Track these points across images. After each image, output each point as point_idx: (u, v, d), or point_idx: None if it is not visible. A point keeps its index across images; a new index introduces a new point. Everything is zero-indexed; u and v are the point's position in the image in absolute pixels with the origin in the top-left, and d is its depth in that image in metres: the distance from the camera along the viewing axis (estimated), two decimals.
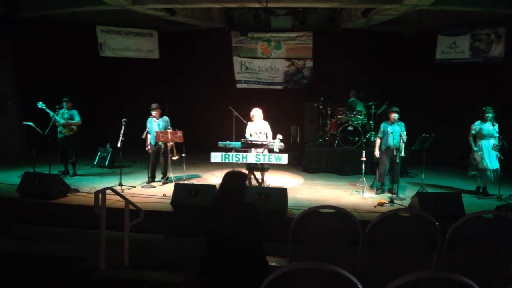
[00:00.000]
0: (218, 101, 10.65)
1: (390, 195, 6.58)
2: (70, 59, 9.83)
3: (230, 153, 6.57)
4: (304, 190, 7.33)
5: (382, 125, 6.95)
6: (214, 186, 5.90)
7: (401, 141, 6.52)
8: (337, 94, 9.83)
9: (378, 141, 7.01)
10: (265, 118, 7.16)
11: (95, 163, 8.97)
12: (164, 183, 7.50)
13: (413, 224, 3.07)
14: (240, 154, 6.60)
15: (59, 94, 7.97)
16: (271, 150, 6.75)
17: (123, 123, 6.81)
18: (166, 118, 7.76)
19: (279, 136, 6.83)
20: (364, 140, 9.19)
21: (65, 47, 9.80)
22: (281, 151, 6.68)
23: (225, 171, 3.08)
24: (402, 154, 6.61)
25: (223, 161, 6.60)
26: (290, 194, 6.17)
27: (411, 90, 9.68)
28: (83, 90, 9.63)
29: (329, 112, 9.52)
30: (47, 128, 7.17)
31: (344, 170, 8.89)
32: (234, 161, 6.60)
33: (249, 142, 6.84)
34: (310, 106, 9.99)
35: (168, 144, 7.50)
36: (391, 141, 6.75)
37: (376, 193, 7.03)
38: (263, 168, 6.97)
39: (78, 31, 9.76)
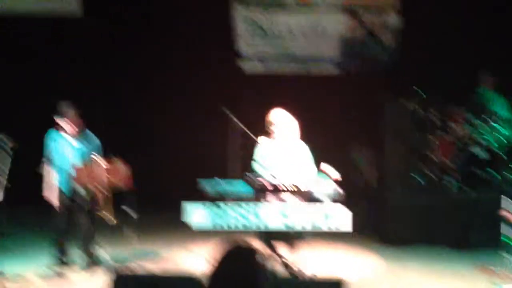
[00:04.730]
0: (200, 100, 11.05)
1: None
2: None
3: (223, 205, 6.61)
4: (386, 284, 7.48)
5: None
6: (193, 278, 5.53)
7: None
8: (453, 83, 10.14)
9: None
10: (301, 136, 7.32)
11: None
12: (88, 271, 7.72)
13: None
14: (246, 207, 6.59)
15: None
16: (312, 199, 6.75)
17: (7, 150, 7.25)
18: (93, 136, 8.01)
19: (331, 172, 6.83)
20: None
21: None
22: (334, 202, 6.64)
23: (217, 246, 3.01)
24: None
25: (210, 225, 6.66)
26: None
27: None
28: None
29: (436, 119, 9.72)
30: None
31: (468, 240, 8.99)
32: (232, 226, 6.65)
33: (265, 182, 6.86)
34: (395, 108, 10.26)
35: (97, 191, 7.62)
36: None
37: None
38: (296, 237, 6.95)
39: None
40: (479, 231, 8.89)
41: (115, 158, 7.55)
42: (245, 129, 7.44)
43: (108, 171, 7.42)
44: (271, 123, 7.12)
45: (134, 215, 7.51)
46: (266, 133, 7.21)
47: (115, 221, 7.72)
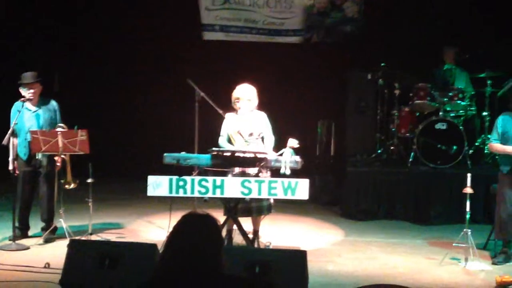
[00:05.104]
0: (162, 71, 11.13)
1: None
2: None
3: (188, 178, 6.70)
4: (344, 255, 7.53)
5: (501, 120, 7.22)
6: (154, 245, 6.00)
7: None
8: (415, 57, 10.26)
9: (498, 147, 7.20)
10: (261, 107, 7.38)
11: None
12: (47, 240, 7.65)
13: None
14: (210, 179, 6.72)
15: None
16: (273, 170, 6.92)
17: None
18: (53, 103, 7.94)
19: (292, 142, 6.90)
20: (470, 151, 9.49)
21: None
22: (295, 172, 6.73)
23: (178, 216, 3.15)
24: None
25: (173, 195, 6.72)
26: (314, 264, 6.40)
27: None
28: None
29: (397, 93, 9.77)
30: None
31: (428, 214, 9.08)
32: (196, 195, 6.81)
33: (229, 153, 6.93)
34: (358, 81, 10.38)
35: (57, 158, 7.59)
36: None
37: (495, 262, 7.17)
38: (258, 209, 7.11)
39: None
40: (439, 205, 9.03)
41: (76, 126, 7.50)
42: (211, 102, 7.53)
43: (65, 136, 7.38)
44: (236, 97, 7.24)
45: (90, 179, 7.45)
46: (231, 107, 7.33)
47: (73, 185, 7.69)
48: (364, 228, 8.80)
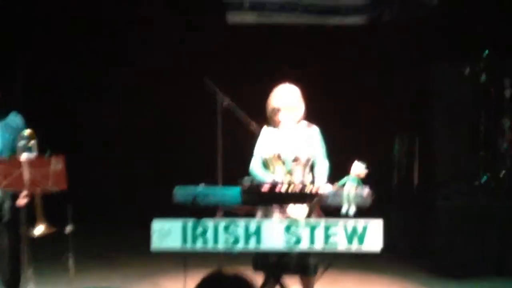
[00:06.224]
0: (171, 68, 11.42)
1: None
2: None
3: (209, 222, 6.58)
4: None
5: None
6: None
7: None
8: None
9: None
10: (310, 118, 7.31)
11: None
12: None
13: None
14: (241, 223, 6.58)
15: None
16: (329, 209, 6.79)
17: None
18: (16, 119, 7.89)
19: (358, 168, 6.77)
20: None
21: None
22: (362, 210, 6.58)
23: (197, 278, 3.17)
24: None
25: (189, 248, 6.60)
26: None
27: None
28: None
29: (509, 93, 9.81)
30: None
31: None
32: (221, 248, 6.65)
33: (267, 186, 6.76)
34: (450, 77, 10.36)
35: (22, 197, 7.46)
36: None
37: None
38: (306, 267, 6.99)
39: None
40: None
41: (49, 150, 7.41)
42: (239, 110, 7.52)
43: (33, 165, 7.30)
44: (276, 107, 7.10)
45: (69, 227, 7.47)
46: (270, 119, 7.20)
47: (45, 230, 7.47)
48: None
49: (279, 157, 7.11)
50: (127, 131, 11.82)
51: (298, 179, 6.92)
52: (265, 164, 7.22)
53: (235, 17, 11.61)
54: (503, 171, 9.66)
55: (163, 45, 11.82)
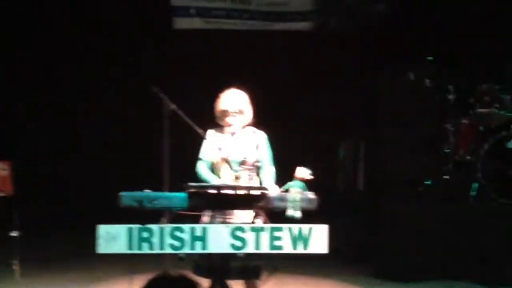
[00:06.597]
0: (116, 75, 11.45)
1: None
2: None
3: (155, 227, 6.51)
4: None
5: None
6: None
7: None
8: (478, 47, 10.56)
9: None
10: (256, 122, 7.32)
11: None
12: None
13: None
14: (187, 227, 6.54)
15: None
16: (275, 213, 6.72)
17: None
18: None
19: (303, 172, 6.77)
20: None
21: None
22: (308, 215, 6.55)
23: (143, 281, 3.22)
24: None
25: (135, 252, 6.48)
26: None
27: None
28: None
29: (452, 98, 9.88)
30: None
31: (502, 273, 9.06)
32: (167, 252, 6.63)
33: (214, 189, 6.73)
34: (395, 83, 10.51)
35: None
36: None
37: None
38: (254, 270, 6.99)
39: None
40: None
41: None
42: (186, 118, 7.35)
43: None
44: (223, 109, 7.12)
45: (15, 232, 7.44)
46: (217, 123, 7.23)
47: None
48: None
49: (226, 160, 7.16)
50: (73, 138, 11.75)
51: (245, 183, 6.97)
52: (212, 168, 7.25)
53: (182, 23, 11.59)
54: (447, 176, 9.73)
55: (109, 50, 11.74)
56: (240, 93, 7.22)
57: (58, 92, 11.93)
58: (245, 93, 7.24)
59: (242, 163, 7.13)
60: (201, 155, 7.32)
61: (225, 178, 7.10)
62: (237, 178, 7.12)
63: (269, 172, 7.22)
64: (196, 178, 7.17)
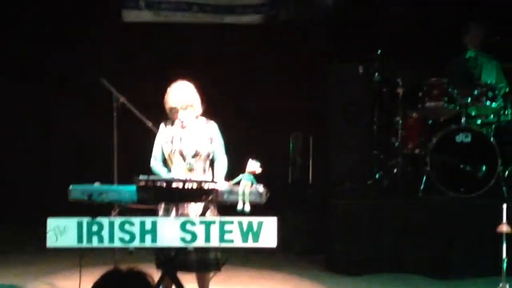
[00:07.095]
0: (64, 68, 11.24)
1: None
2: None
3: (104, 220, 6.51)
4: None
5: None
6: None
7: None
8: (426, 41, 10.60)
9: None
10: (208, 114, 7.30)
11: None
12: None
13: None
14: (137, 221, 6.56)
15: None
16: (225, 207, 6.80)
17: None
18: None
19: (253, 165, 6.75)
20: (506, 172, 9.56)
21: None
22: (258, 208, 6.60)
23: (93, 276, 3.11)
24: None
25: (84, 246, 6.55)
26: None
27: None
28: None
29: (400, 92, 9.84)
30: None
31: (449, 264, 9.06)
32: (117, 245, 6.72)
33: (163, 183, 6.79)
34: (344, 76, 10.61)
35: None
36: None
37: None
38: (205, 262, 7.06)
39: None
40: (464, 251, 8.94)
41: None
42: (135, 111, 7.50)
43: None
44: (173, 105, 7.07)
45: None
46: (168, 116, 7.19)
47: None
48: (359, 286, 8.77)
49: (179, 153, 7.12)
50: (21, 131, 11.57)
51: (199, 175, 6.93)
52: (166, 162, 7.21)
53: (131, 16, 11.49)
54: (396, 169, 9.74)
55: (57, 43, 11.57)
56: (186, 86, 7.21)
57: (4, 83, 11.75)
58: (193, 84, 7.18)
59: (195, 155, 7.07)
60: (154, 148, 7.27)
61: (179, 170, 7.03)
62: (190, 170, 7.05)
63: (222, 163, 7.21)
64: (150, 172, 7.09)
